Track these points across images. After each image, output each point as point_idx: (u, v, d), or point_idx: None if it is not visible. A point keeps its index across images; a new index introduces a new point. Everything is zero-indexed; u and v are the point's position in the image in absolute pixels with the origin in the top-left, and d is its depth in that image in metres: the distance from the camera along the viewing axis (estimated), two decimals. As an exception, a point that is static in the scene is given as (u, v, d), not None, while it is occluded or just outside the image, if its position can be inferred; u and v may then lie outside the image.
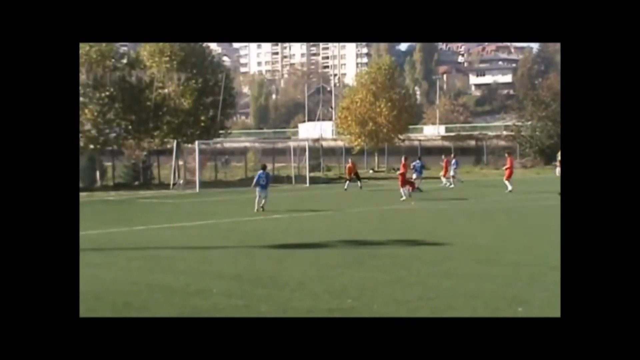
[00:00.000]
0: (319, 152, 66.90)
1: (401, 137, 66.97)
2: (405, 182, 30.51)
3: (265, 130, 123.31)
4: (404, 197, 29.65)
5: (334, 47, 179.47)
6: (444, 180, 42.08)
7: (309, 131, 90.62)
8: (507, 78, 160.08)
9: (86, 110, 44.34)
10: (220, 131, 51.70)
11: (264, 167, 27.66)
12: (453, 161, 42.26)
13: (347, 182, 40.28)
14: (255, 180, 25.95)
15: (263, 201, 25.52)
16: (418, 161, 39.93)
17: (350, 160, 42.24)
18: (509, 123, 79.37)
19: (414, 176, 39.44)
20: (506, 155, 37.91)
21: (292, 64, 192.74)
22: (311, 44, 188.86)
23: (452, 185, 40.01)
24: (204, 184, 42.19)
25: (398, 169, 32.95)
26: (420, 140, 76.55)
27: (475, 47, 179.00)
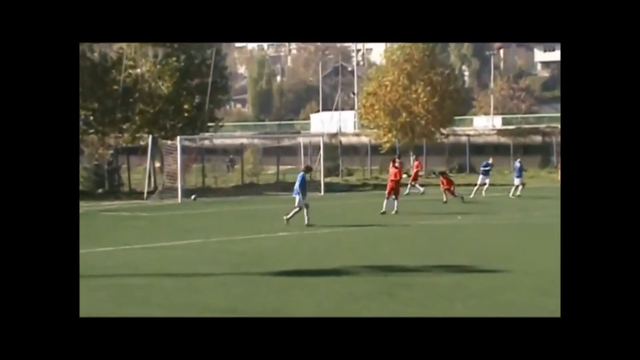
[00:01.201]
0: (337, 151, 66.97)
1: (444, 131, 66.80)
2: (396, 190, 30.58)
3: (267, 123, 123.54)
4: (384, 209, 29.83)
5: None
6: (410, 186, 42.15)
7: (324, 124, 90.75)
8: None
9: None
10: (209, 123, 51.86)
11: (308, 170, 27.99)
12: (517, 164, 41.89)
13: (413, 186, 40.82)
14: (298, 185, 26.13)
15: (296, 210, 25.77)
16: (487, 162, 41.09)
17: (414, 159, 42.02)
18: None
19: (484, 180, 39.86)
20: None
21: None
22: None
23: (519, 193, 39.61)
24: (188, 193, 42.40)
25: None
26: (469, 135, 76.31)
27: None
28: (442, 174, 39.02)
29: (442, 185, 37.20)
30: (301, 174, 26.96)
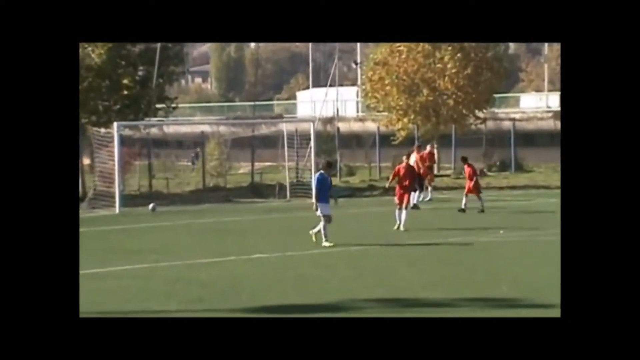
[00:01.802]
0: (333, 142, 66.82)
1: (480, 114, 66.79)
2: (407, 197, 30.24)
3: (237, 104, 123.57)
4: (401, 224, 29.47)
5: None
6: (429, 192, 41.27)
7: (315, 105, 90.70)
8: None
9: None
10: (159, 105, 51.72)
11: (328, 165, 28.00)
12: None
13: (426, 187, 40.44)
14: (316, 189, 25.89)
15: (322, 224, 25.48)
16: None
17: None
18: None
19: None
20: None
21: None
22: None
23: None
24: (129, 199, 42.34)
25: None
26: (514, 119, 76.16)
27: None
28: (465, 160, 38.20)
29: (467, 180, 36.68)
30: (318, 174, 26.69)
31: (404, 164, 31.09)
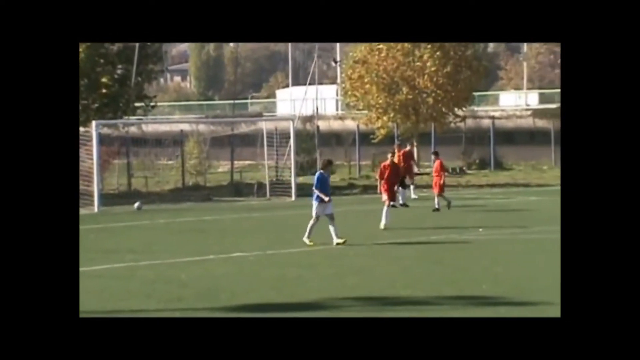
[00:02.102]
0: (313, 141, 66.76)
1: (459, 112, 66.82)
2: (393, 193, 30.22)
3: (217, 102, 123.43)
4: (383, 223, 29.56)
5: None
6: (411, 191, 40.87)
7: (294, 104, 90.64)
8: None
9: None
10: (137, 104, 51.56)
11: (328, 164, 27.91)
12: None
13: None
14: (316, 187, 25.73)
15: (311, 222, 25.42)
16: None
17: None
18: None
19: None
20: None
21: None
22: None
23: None
24: (108, 198, 42.17)
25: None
26: (494, 117, 76.30)
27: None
28: (437, 154, 37.94)
29: (434, 176, 36.37)
30: (317, 173, 26.59)
31: (388, 162, 31.13)
